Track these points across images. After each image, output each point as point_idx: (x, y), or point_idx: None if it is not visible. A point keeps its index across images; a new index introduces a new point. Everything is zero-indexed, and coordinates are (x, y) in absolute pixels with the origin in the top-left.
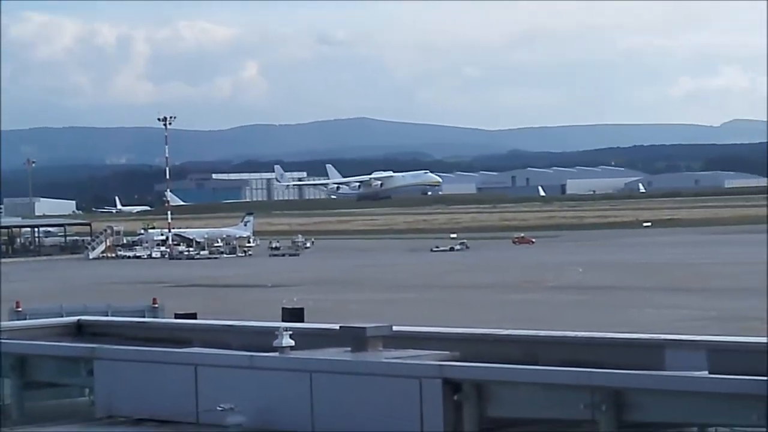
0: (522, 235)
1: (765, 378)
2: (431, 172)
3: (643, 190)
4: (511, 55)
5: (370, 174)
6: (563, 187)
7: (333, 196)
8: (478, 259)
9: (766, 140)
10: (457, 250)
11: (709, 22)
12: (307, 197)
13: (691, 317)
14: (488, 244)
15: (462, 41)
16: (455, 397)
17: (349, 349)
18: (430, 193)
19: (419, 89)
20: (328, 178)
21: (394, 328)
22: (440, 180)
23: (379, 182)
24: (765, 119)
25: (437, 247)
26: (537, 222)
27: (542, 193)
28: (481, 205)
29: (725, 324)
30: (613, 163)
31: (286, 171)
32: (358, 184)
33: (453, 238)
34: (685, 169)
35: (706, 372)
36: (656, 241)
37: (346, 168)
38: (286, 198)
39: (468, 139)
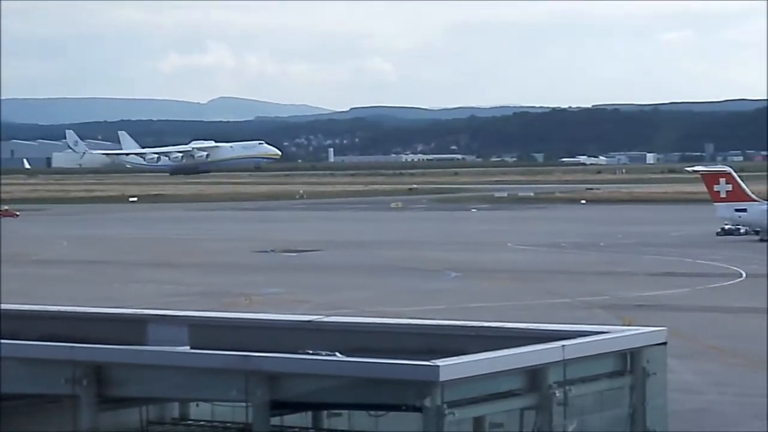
0: (6, 207)
1: (243, 353)
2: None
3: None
4: None
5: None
6: (49, 160)
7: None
8: None
9: (252, 118)
10: None
11: None
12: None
13: (176, 292)
14: None
15: None
16: None
17: None
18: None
19: None
20: (121, 147)
21: None
22: (279, 153)
23: (205, 153)
24: (251, 97)
25: None
26: (21, 195)
27: (27, 166)
28: None
29: (209, 299)
30: (100, 138)
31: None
32: (180, 154)
33: None
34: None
35: (188, 347)
36: (143, 217)
37: None
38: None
39: None
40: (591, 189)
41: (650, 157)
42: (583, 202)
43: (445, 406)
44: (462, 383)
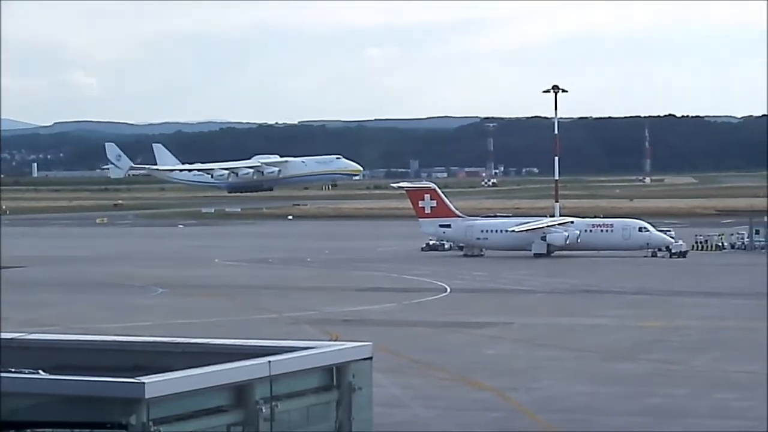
0: None
1: None
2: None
3: None
4: None
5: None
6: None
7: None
8: None
9: None
10: None
11: None
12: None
13: None
14: None
15: None
16: None
17: None
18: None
19: None
20: (156, 162)
21: None
22: (360, 168)
23: (276, 169)
24: None
25: None
26: None
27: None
28: None
29: None
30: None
31: None
32: (250, 170)
33: None
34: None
35: None
36: None
37: None
38: None
39: None
40: (298, 205)
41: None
42: (290, 217)
43: (150, 423)
44: (168, 400)
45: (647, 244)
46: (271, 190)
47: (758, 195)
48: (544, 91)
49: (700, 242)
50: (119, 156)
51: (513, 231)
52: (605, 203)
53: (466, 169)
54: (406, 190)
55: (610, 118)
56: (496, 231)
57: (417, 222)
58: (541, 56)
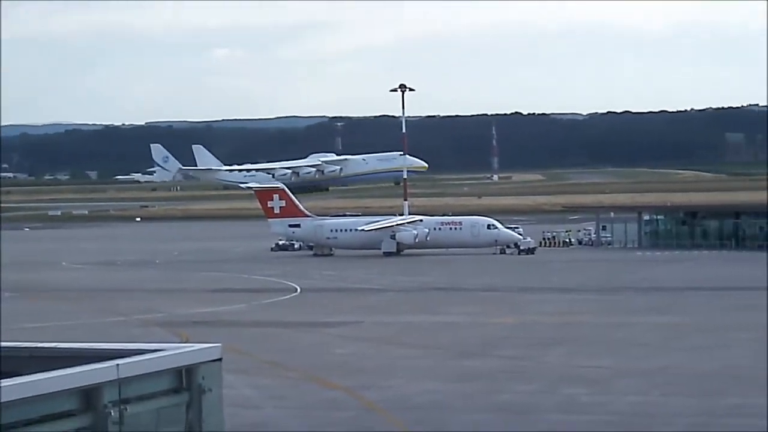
0: None
1: None
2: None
3: None
4: None
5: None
6: None
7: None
8: None
9: None
10: None
11: None
12: None
13: None
14: None
15: None
16: None
17: None
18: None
19: None
20: (196, 163)
21: None
22: (426, 165)
23: (337, 167)
24: None
25: None
26: None
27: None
28: None
29: None
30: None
31: None
32: (312, 169)
33: None
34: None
35: None
36: None
37: None
38: None
39: None
40: (146, 206)
41: None
42: (138, 219)
43: None
44: (16, 405)
45: (496, 241)
46: (327, 190)
47: (604, 191)
48: (392, 90)
49: (548, 239)
50: (166, 158)
51: (362, 230)
52: (454, 201)
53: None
54: (255, 191)
55: (457, 116)
56: (346, 230)
57: (266, 222)
58: (387, 56)
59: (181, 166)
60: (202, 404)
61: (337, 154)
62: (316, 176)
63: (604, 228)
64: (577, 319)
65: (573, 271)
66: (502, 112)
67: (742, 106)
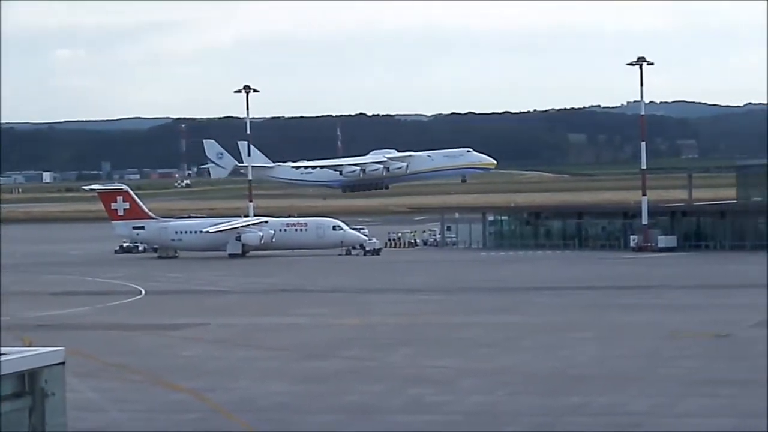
0: None
1: None
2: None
3: None
4: None
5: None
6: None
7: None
8: None
9: None
10: None
11: None
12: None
13: None
14: None
15: None
16: None
17: None
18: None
19: None
20: (241, 159)
21: None
22: (494, 162)
23: (404, 164)
24: None
25: None
26: None
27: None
28: None
29: None
30: None
31: None
32: (379, 166)
33: None
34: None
35: None
36: None
37: None
38: None
39: None
40: None
41: (47, 176)
42: None
43: None
44: None
45: (341, 242)
46: (387, 188)
47: (449, 192)
48: (236, 91)
49: (394, 240)
50: (221, 154)
51: (207, 232)
52: (300, 202)
53: (159, 171)
54: (98, 193)
55: (302, 117)
56: (191, 232)
57: (110, 224)
58: (230, 57)
59: (236, 163)
60: (45, 408)
61: (180, 157)
62: (383, 173)
63: (449, 229)
64: (422, 319)
65: (418, 272)
66: (347, 113)
67: (584, 107)
